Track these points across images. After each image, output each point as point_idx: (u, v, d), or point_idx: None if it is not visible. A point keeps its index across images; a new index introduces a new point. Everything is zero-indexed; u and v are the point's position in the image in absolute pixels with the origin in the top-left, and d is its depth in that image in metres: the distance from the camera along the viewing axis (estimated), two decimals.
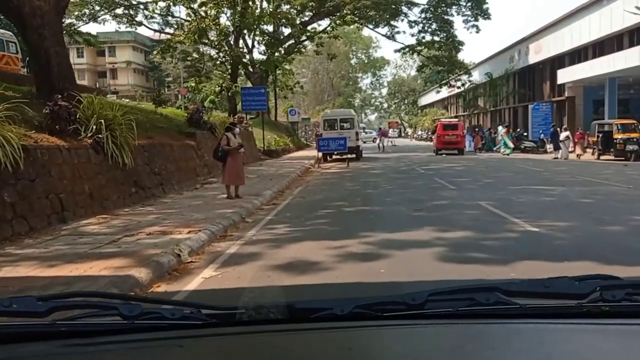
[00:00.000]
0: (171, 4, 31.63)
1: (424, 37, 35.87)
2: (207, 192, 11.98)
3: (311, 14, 35.06)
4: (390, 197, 11.41)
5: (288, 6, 33.92)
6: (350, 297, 1.20)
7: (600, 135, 22.97)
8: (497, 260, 5.40)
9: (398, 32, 37.36)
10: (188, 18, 31.16)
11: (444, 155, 28.45)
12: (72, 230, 7.41)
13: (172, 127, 15.44)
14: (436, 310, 1.13)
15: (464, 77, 38.75)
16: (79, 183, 8.88)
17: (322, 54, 42.84)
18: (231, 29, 31.02)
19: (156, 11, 33.15)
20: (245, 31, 32.11)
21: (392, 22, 36.08)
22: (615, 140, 22.02)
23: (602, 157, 22.79)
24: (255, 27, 30.94)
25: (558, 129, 26.16)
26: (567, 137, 24.98)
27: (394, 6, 33.96)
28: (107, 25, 61.81)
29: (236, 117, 24.82)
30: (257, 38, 34.11)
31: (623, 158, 21.27)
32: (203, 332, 1.11)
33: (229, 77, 31.96)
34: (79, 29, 31.67)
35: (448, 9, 34.64)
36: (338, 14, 34.39)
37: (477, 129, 35.50)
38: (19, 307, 1.10)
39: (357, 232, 7.17)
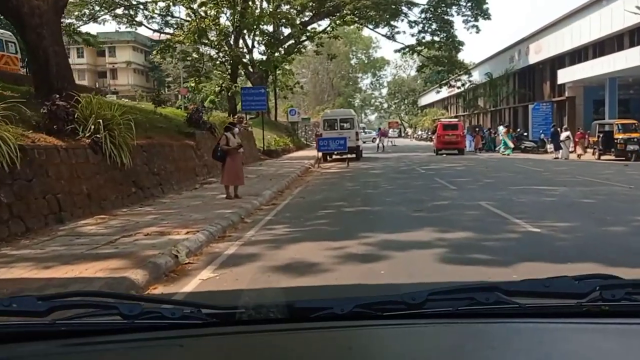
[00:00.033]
0: (171, 4, 31.57)
1: (424, 37, 35.82)
2: (206, 192, 11.92)
3: (311, 14, 35.01)
4: (390, 197, 11.34)
5: (288, 6, 33.86)
6: (350, 296, 1.20)
7: (601, 135, 22.91)
8: (499, 262, 5.33)
9: (398, 32, 37.39)
10: (188, 18, 31.07)
11: (444, 155, 28.39)
12: (69, 230, 7.35)
13: (172, 127, 15.38)
14: (436, 309, 1.13)
15: (464, 77, 38.69)
16: (76, 183, 8.81)
17: (322, 54, 42.78)
18: (231, 29, 30.95)
19: (156, 11, 33.10)
20: (245, 31, 32.05)
21: (392, 22, 36.03)
22: (615, 140, 21.95)
23: (602, 157, 22.72)
24: (255, 27, 30.87)
25: (558, 129, 26.11)
26: (568, 137, 24.92)
27: (394, 6, 33.89)
28: (107, 26, 61.98)
29: (236, 117, 24.78)
30: (257, 38, 34.08)
31: (624, 158, 21.21)
32: (203, 332, 1.11)
33: (228, 77, 31.89)
34: (78, 29, 31.56)
35: (448, 9, 34.58)
36: (338, 14, 34.33)
37: (477, 129, 35.44)
38: (19, 306, 1.09)
39: (357, 232, 7.11)
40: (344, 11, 33.56)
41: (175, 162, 13.32)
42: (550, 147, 27.46)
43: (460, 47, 35.85)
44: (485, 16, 34.35)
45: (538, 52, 35.13)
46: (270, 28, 33.68)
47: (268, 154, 25.45)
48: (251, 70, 33.85)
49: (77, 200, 8.66)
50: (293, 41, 35.28)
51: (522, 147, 29.88)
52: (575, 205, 9.45)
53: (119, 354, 1.07)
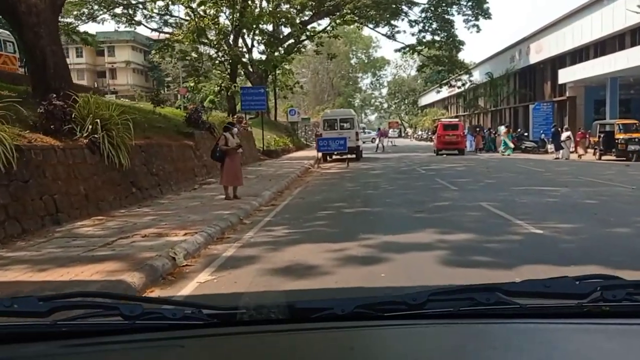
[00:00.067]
0: (170, 3, 31.46)
1: (424, 37, 35.71)
2: (205, 193, 11.83)
3: (311, 13, 34.92)
4: (390, 198, 11.25)
5: (287, 5, 33.76)
6: (351, 296, 1.21)
7: (602, 136, 22.81)
8: (502, 264, 5.23)
9: (398, 32, 37.28)
10: (187, 17, 30.97)
11: (445, 155, 28.29)
12: (66, 232, 7.26)
13: (171, 127, 15.29)
14: (437, 310, 1.13)
15: (465, 77, 38.58)
16: (74, 184, 8.72)
17: (322, 54, 42.70)
18: (230, 28, 30.85)
19: (155, 10, 32.99)
20: (244, 30, 31.95)
21: (392, 22, 35.96)
22: (617, 141, 21.86)
23: (603, 158, 22.63)
24: (254, 26, 30.76)
25: (559, 129, 26.01)
26: (569, 137, 24.84)
27: (394, 5, 33.80)
28: (106, 25, 62.11)
29: (235, 117, 24.68)
30: (256, 37, 33.97)
31: (625, 158, 21.11)
32: (204, 332, 1.11)
33: (228, 76, 31.78)
34: (77, 29, 31.45)
35: (448, 9, 34.48)
36: (338, 14, 34.23)
37: (478, 129, 35.35)
38: (20, 307, 1.10)
39: (357, 234, 7.01)
40: (344, 10, 33.46)
41: (174, 163, 13.23)
42: (550, 147, 27.37)
43: (461, 46, 35.77)
44: (486, 15, 34.25)
45: (539, 52, 35.04)
46: (270, 27, 33.59)
47: (268, 154, 25.35)
48: (251, 69, 33.75)
49: (74, 201, 8.56)
50: (293, 41, 35.19)
51: (523, 147, 29.78)
52: (578, 206, 9.36)
53: (120, 354, 1.06)
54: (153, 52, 38.49)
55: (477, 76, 42.27)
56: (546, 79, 35.66)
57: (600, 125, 23.50)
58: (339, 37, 40.13)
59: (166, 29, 35.97)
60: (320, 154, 22.96)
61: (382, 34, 39.54)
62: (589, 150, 25.08)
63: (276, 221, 8.61)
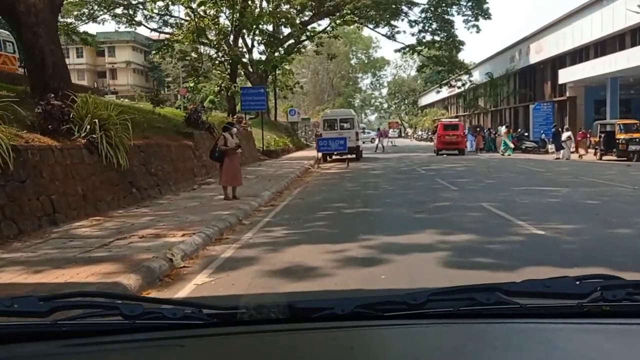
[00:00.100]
0: (170, 3, 31.38)
1: (424, 37, 35.63)
2: (204, 193, 11.77)
3: (311, 13, 34.84)
4: (390, 198, 11.19)
5: (287, 6, 33.70)
6: (351, 296, 1.21)
7: (603, 136, 22.75)
8: (504, 266, 5.16)
9: (398, 32, 37.21)
10: (187, 18, 30.91)
11: (445, 155, 28.22)
12: (62, 233, 7.19)
13: (170, 127, 15.22)
14: (437, 309, 1.13)
15: (465, 77, 38.50)
16: (71, 184, 8.65)
17: (322, 54, 42.63)
18: (230, 28, 30.78)
19: (155, 10, 32.91)
20: (244, 31, 31.88)
21: (392, 22, 35.87)
22: (617, 141, 21.79)
23: (604, 158, 22.57)
24: (254, 26, 30.69)
25: (560, 129, 25.94)
26: (569, 137, 24.77)
27: (394, 6, 33.72)
28: (106, 25, 62.12)
29: (235, 117, 24.61)
30: (256, 38, 33.89)
31: (625, 158, 21.05)
32: (204, 332, 1.11)
33: (228, 77, 31.71)
34: (76, 29, 31.39)
35: (448, 9, 34.40)
36: (338, 14, 34.17)
37: (478, 129, 35.29)
38: (21, 306, 1.09)
39: (357, 235, 6.95)
40: (344, 11, 33.40)
41: (173, 163, 13.17)
42: (551, 147, 27.31)
43: (461, 46, 35.69)
44: (486, 16, 34.19)
45: (539, 52, 34.96)
46: (270, 27, 33.51)
47: (267, 155, 25.29)
48: (251, 70, 33.69)
49: (71, 202, 8.50)
50: (293, 41, 35.12)
51: (523, 147, 29.71)
52: (579, 206, 9.29)
53: (120, 354, 1.06)
54: (153, 52, 38.40)
55: (477, 76, 42.21)
56: (546, 79, 35.58)
57: (601, 125, 23.43)
58: (339, 37, 40.06)
59: (166, 29, 35.95)
60: (320, 154, 22.90)
61: (382, 34, 39.45)
62: (589, 150, 25.00)
63: (275, 222, 8.55)
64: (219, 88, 32.48)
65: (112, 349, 1.07)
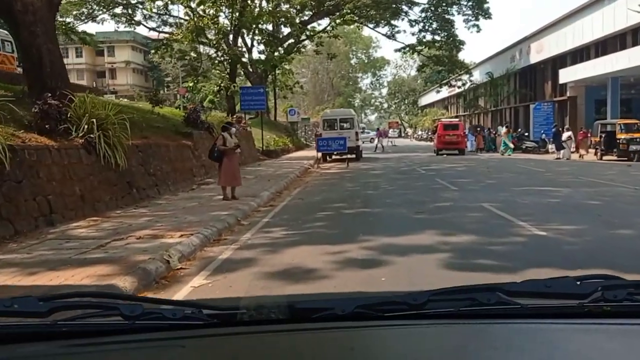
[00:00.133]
0: (169, 2, 31.29)
1: (424, 37, 35.57)
2: (203, 193, 11.69)
3: (311, 13, 34.75)
4: (390, 198, 11.11)
5: (287, 5, 33.61)
6: (352, 296, 1.21)
7: (603, 135, 22.68)
8: (505, 268, 5.08)
9: (398, 32, 37.05)
10: (186, 17, 30.82)
11: (445, 155, 28.14)
12: (59, 233, 7.11)
13: (169, 126, 15.15)
14: (438, 310, 1.13)
15: (465, 77, 38.45)
16: (69, 184, 8.57)
17: (322, 54, 42.52)
18: (229, 27, 30.68)
19: (154, 10, 32.81)
20: (243, 30, 31.79)
21: (392, 21, 35.81)
22: (618, 141, 21.72)
23: (604, 158, 22.50)
24: (254, 26, 30.60)
25: (560, 129, 25.86)
26: (570, 137, 24.70)
27: (394, 5, 33.65)
28: (106, 25, 62.05)
29: (235, 116, 24.52)
30: (256, 37, 33.80)
31: (626, 158, 20.97)
32: (204, 332, 1.10)
33: (227, 76, 31.62)
34: (75, 28, 31.30)
35: (449, 8, 34.34)
36: (338, 13, 34.08)
37: (479, 129, 35.22)
38: (20, 307, 1.09)
39: (357, 235, 6.88)
40: (344, 10, 33.29)
41: (172, 163, 13.09)
42: (551, 147, 27.24)
43: (461, 46, 35.63)
44: (486, 15, 34.12)
45: (539, 52, 34.88)
46: (270, 27, 33.42)
47: (267, 154, 25.21)
48: (250, 69, 33.60)
49: (69, 202, 8.42)
50: (292, 40, 35.03)
51: (523, 147, 29.64)
52: (580, 207, 9.22)
53: (120, 354, 1.06)
54: (152, 51, 38.32)
55: (478, 76, 42.13)
56: (547, 78, 35.51)
57: (602, 125, 23.36)
58: (339, 37, 39.93)
59: (165, 29, 35.87)
60: (320, 154, 22.82)
61: (382, 34, 39.50)
62: (590, 150, 24.93)
63: (274, 222, 8.47)
64: (218, 88, 32.36)
65: (112, 350, 1.06)
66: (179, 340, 1.07)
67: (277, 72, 36.31)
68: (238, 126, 16.45)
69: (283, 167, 19.52)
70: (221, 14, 29.69)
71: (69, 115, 9.42)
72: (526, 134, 32.01)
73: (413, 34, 36.70)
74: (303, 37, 35.82)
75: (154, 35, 39.61)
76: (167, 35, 33.85)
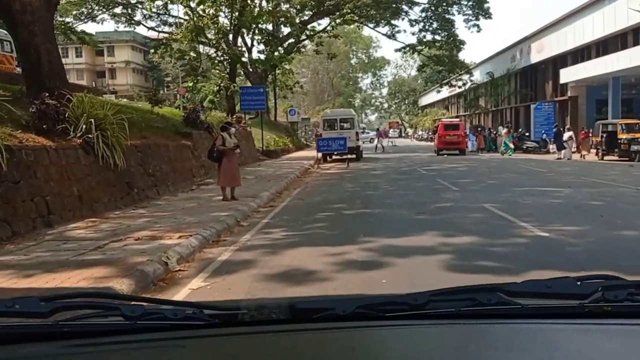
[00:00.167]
0: (168, 2, 31.22)
1: (424, 36, 35.49)
2: (203, 194, 11.63)
3: (311, 12, 34.68)
4: (391, 199, 11.04)
5: (287, 5, 33.53)
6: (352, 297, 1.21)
7: (604, 136, 22.61)
8: (508, 270, 5.01)
9: (399, 31, 36.96)
10: (186, 17, 30.76)
11: (445, 155, 28.07)
12: (57, 235, 7.05)
13: (168, 127, 15.08)
14: (438, 310, 1.13)
15: (465, 77, 38.39)
16: (67, 185, 8.51)
17: (322, 54, 42.45)
18: (229, 27, 30.62)
19: (153, 10, 32.74)
20: (243, 30, 31.72)
21: (392, 21, 35.74)
22: (619, 141, 21.65)
23: (605, 158, 22.43)
24: (253, 25, 30.53)
25: (561, 129, 25.79)
26: (570, 137, 24.63)
27: (394, 5, 33.57)
28: (105, 25, 61.98)
29: (234, 116, 24.46)
30: (256, 37, 33.73)
31: (627, 158, 20.90)
32: (205, 333, 1.11)
33: (227, 76, 31.56)
34: (74, 28, 31.24)
35: (449, 8, 34.26)
36: (338, 13, 34.01)
37: (480, 129, 35.14)
38: (22, 307, 1.09)
39: (357, 237, 6.81)
40: (344, 10, 33.23)
41: (171, 163, 13.02)
42: (552, 147, 27.16)
43: (461, 46, 35.54)
44: (487, 15, 34.03)
45: (540, 51, 34.80)
46: (270, 27, 33.35)
47: (267, 155, 25.14)
48: (250, 69, 33.53)
49: (67, 203, 8.35)
50: (292, 40, 34.96)
51: (524, 147, 29.57)
52: (583, 207, 9.14)
53: (121, 354, 1.07)
54: (151, 51, 38.25)
55: (478, 76, 42.06)
56: (547, 78, 35.43)
57: (603, 125, 23.29)
58: (339, 37, 39.87)
59: (165, 29, 35.79)
60: (320, 154, 22.76)
61: (383, 34, 39.43)
62: (592, 150, 24.87)
63: (274, 223, 8.40)
64: (218, 88, 32.29)
65: (113, 350, 1.07)
66: (180, 340, 1.07)
67: (277, 72, 36.24)
68: (238, 126, 16.38)
69: (283, 167, 19.46)
70: (221, 13, 29.64)
71: (66, 115, 9.36)
72: (527, 134, 31.94)
73: (413, 34, 36.70)
74: (303, 37, 35.76)
75: (153, 35, 39.54)
76: (166, 35, 33.77)
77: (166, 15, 34.76)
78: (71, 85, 12.28)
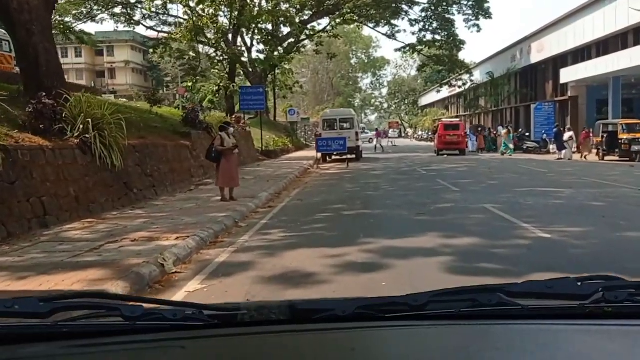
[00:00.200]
0: (168, 1, 31.13)
1: (424, 36, 35.42)
2: (201, 194, 11.54)
3: (311, 12, 34.60)
4: (391, 199, 10.95)
5: (287, 4, 33.45)
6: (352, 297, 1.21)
7: (605, 136, 22.53)
8: (510, 272, 4.92)
9: (398, 31, 36.90)
10: (185, 16, 30.68)
11: (445, 155, 27.99)
12: (52, 236, 6.96)
13: (167, 126, 15.00)
14: (439, 311, 1.13)
15: (465, 77, 38.31)
16: (63, 185, 8.42)
17: (322, 54, 42.37)
18: (229, 27, 30.53)
19: (153, 9, 32.65)
20: (243, 29, 31.63)
21: (392, 21, 35.67)
22: (620, 141, 21.58)
23: (606, 158, 22.36)
24: (253, 25, 30.44)
25: (562, 129, 25.71)
26: (571, 137, 24.56)
27: (394, 5, 33.49)
28: (105, 25, 61.91)
29: (234, 116, 24.39)
30: (255, 37, 33.63)
31: (628, 159, 20.83)
32: (205, 333, 1.10)
33: (226, 76, 31.47)
34: (73, 27, 31.15)
35: (449, 8, 34.19)
36: (338, 13, 33.93)
37: (480, 129, 35.07)
38: (21, 307, 1.09)
39: (357, 238, 6.72)
40: (344, 9, 33.15)
41: (170, 163, 12.93)
42: (552, 147, 27.08)
43: (461, 46, 35.46)
44: (487, 15, 33.95)
45: (540, 51, 34.72)
46: (269, 26, 33.26)
47: (266, 155, 25.07)
48: (250, 69, 33.45)
49: (63, 204, 8.26)
50: (292, 40, 34.88)
51: (524, 147, 29.49)
52: (585, 208, 9.06)
53: (120, 355, 1.06)
54: (150, 51, 38.16)
55: (478, 76, 41.98)
56: (548, 78, 35.35)
57: (604, 125, 23.22)
58: (339, 36, 39.78)
59: (164, 28, 35.69)
60: (319, 154, 22.68)
61: (382, 34, 39.28)
62: (593, 150, 24.80)
63: (273, 224, 8.32)
64: (217, 87, 32.21)
65: (112, 350, 1.06)
66: (179, 341, 1.07)
67: (277, 71, 36.18)
68: (237, 126, 16.32)
69: (282, 167, 19.38)
70: (220, 13, 29.56)
71: (64, 115, 9.28)
72: (527, 134, 31.86)
73: (413, 34, 36.59)
74: (303, 36, 35.68)
75: (152, 34, 39.47)
76: (165, 35, 33.69)
77: (165, 15, 34.71)
78: (70, 85, 12.22)
